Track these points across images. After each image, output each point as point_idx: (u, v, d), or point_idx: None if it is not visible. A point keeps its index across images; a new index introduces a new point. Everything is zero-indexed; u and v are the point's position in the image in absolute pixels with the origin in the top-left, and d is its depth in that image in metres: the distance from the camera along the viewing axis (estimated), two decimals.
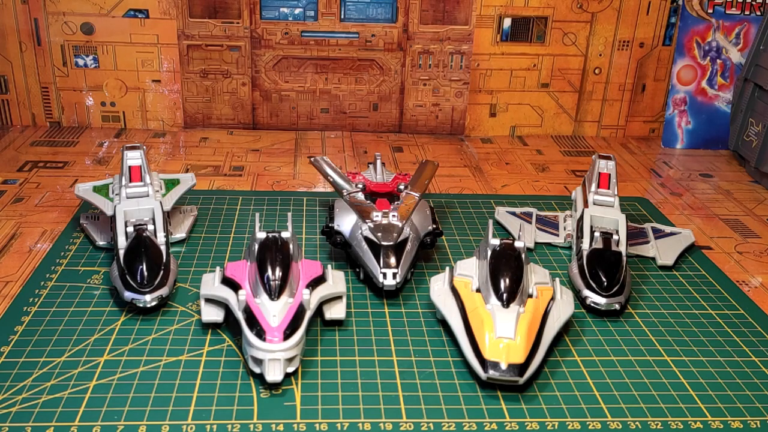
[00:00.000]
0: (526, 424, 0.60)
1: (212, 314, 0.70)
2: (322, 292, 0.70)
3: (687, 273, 0.85)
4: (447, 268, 0.75)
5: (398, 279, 0.75)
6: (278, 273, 0.67)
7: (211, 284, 0.70)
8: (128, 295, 0.71)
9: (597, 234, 0.82)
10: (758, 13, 1.24)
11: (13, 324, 0.70)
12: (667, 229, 0.94)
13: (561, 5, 1.26)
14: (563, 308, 0.70)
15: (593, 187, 0.87)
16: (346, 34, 1.26)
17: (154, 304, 0.71)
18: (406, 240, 0.79)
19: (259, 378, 0.64)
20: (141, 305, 0.71)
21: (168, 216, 0.85)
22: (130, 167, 0.83)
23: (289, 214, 0.76)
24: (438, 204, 1.00)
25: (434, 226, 0.84)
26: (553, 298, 0.71)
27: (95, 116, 1.28)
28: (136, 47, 1.24)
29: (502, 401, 0.63)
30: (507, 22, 1.26)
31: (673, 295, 0.80)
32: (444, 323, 0.72)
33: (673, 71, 1.28)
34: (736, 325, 0.75)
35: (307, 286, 0.69)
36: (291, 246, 0.70)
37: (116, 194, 0.83)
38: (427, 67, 1.28)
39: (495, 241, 0.73)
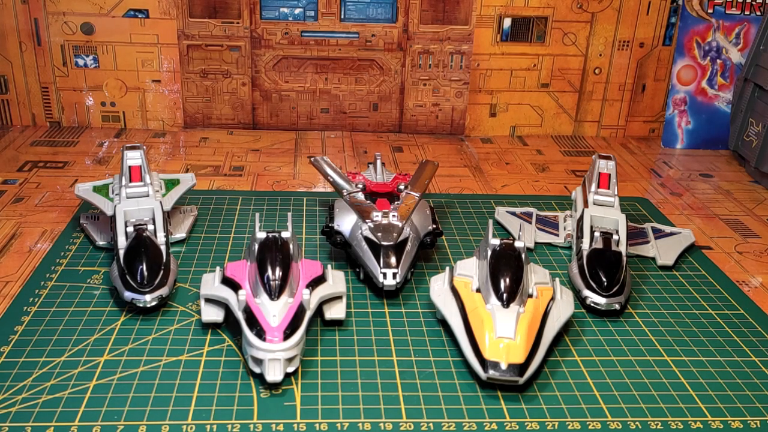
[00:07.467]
0: (526, 424, 0.60)
1: (212, 314, 0.70)
2: (322, 292, 0.70)
3: (687, 273, 0.85)
4: (447, 268, 0.75)
5: (398, 279, 0.75)
6: (278, 273, 0.67)
7: (211, 284, 0.70)
8: (128, 295, 0.71)
9: (597, 234, 0.82)
10: (758, 13, 1.24)
11: (13, 324, 0.70)
12: (667, 229, 0.94)
13: (561, 5, 1.26)
14: (563, 308, 0.70)
15: (593, 187, 0.87)
16: (346, 34, 1.26)
17: (154, 304, 0.71)
18: (406, 240, 0.79)
19: (259, 378, 0.64)
20: (141, 305, 0.71)
21: (168, 216, 0.85)
22: (130, 167, 0.83)
23: (289, 214, 0.76)
24: (438, 204, 1.00)
25: (434, 226, 0.84)
26: (553, 298, 0.71)
27: (95, 116, 1.28)
28: (136, 47, 1.24)
29: (502, 401, 0.63)
30: (507, 22, 1.26)
31: (673, 295, 0.80)
32: (444, 323, 0.72)
33: (673, 71, 1.28)
34: (736, 325, 0.75)
35: (307, 286, 0.69)
36: (291, 246, 0.70)
37: (116, 194, 0.83)
38: (427, 67, 1.28)
39: (495, 241, 0.73)
